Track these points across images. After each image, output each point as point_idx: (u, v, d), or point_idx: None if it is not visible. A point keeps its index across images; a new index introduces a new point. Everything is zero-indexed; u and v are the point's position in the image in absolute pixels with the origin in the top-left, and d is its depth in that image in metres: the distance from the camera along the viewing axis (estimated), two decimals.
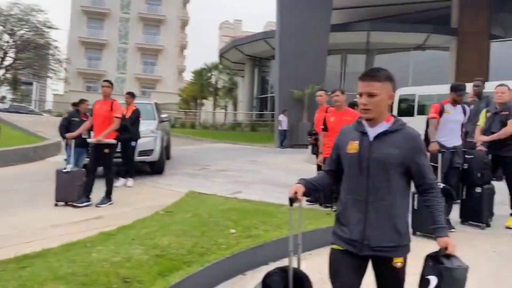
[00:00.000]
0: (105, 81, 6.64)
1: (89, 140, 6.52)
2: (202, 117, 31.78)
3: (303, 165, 6.18)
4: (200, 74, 31.06)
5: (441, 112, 5.37)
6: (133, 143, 8.25)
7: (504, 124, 5.39)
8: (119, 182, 8.05)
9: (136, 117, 8.31)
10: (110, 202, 6.29)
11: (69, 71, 42.22)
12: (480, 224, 5.28)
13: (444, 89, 7.50)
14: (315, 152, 6.71)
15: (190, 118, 31.77)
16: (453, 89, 5.40)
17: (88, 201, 6.17)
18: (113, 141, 6.36)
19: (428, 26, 23.86)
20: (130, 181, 8.10)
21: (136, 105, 9.52)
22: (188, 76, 44.00)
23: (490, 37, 22.60)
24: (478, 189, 5.29)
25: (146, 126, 9.42)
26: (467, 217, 5.42)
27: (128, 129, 7.16)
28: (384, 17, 27.17)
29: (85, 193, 6.17)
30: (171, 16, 51.73)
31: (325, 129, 5.86)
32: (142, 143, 9.06)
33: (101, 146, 6.21)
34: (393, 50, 25.40)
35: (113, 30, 49.48)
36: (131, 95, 8.67)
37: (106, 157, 6.31)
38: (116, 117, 6.36)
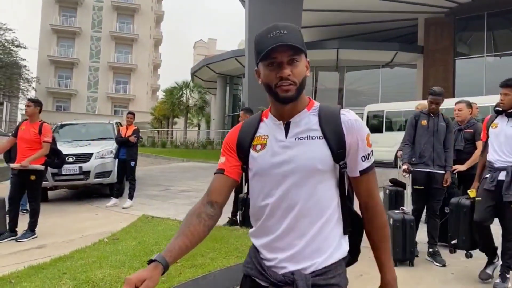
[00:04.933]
0: (29, 100, 5.90)
1: (12, 165, 5.69)
2: (175, 135, 31.34)
3: None
4: (171, 93, 30.74)
5: None
6: (132, 163, 8.11)
7: (468, 140, 5.36)
8: (111, 202, 8.00)
9: (136, 136, 8.19)
10: (33, 236, 5.73)
11: (38, 91, 41.22)
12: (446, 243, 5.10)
13: (411, 105, 7.49)
14: None
15: (163, 137, 31.28)
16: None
17: (13, 235, 5.66)
18: (41, 167, 5.68)
19: (396, 44, 24.32)
20: (128, 202, 7.90)
21: (95, 125, 9.11)
22: (161, 95, 43.60)
23: (455, 55, 23.17)
24: (447, 209, 5.15)
25: (105, 147, 9.08)
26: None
27: (58, 153, 6.42)
28: (353, 35, 27.61)
29: (10, 226, 5.67)
30: (143, 35, 51.40)
31: None
32: (100, 165, 8.72)
33: (27, 173, 5.55)
34: (363, 68, 25.74)
35: (84, 48, 48.72)
36: (133, 115, 8.61)
37: (33, 185, 5.63)
38: (46, 142, 5.67)
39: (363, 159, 1.38)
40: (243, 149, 1.44)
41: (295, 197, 1.33)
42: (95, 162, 8.62)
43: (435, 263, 4.64)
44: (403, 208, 4.93)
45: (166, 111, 31.06)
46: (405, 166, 4.86)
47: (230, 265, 3.95)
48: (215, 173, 1.48)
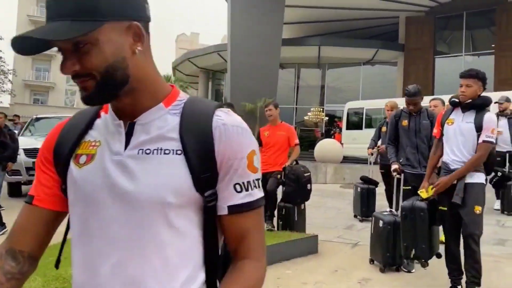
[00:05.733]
0: None
1: None
2: None
3: None
4: None
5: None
6: None
7: None
8: None
9: None
10: (4, 230, 5.62)
11: (14, 83, 40.26)
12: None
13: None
14: None
15: None
16: None
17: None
18: None
19: (377, 42, 24.55)
20: None
21: (58, 119, 8.92)
22: None
23: (435, 53, 23.50)
24: None
25: None
26: None
27: (5, 145, 6.25)
28: (335, 33, 27.73)
29: None
30: None
31: (259, 144, 5.64)
32: None
33: None
34: (344, 65, 25.90)
35: None
36: None
37: None
38: None
39: (239, 188, 0.87)
40: (60, 160, 0.93)
41: (130, 254, 0.83)
42: None
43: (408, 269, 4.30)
44: (391, 209, 4.72)
45: None
46: (396, 166, 4.74)
47: None
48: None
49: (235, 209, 0.87)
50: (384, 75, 25.34)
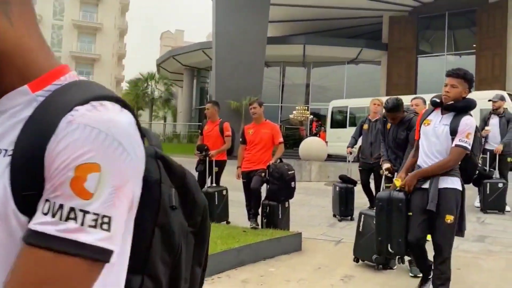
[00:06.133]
0: None
1: None
2: None
3: (233, 178, 6.03)
4: (136, 84, 30.16)
5: None
6: None
7: None
8: None
9: None
10: None
11: None
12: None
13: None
14: (202, 169, 6.00)
15: None
16: None
17: None
18: None
19: (361, 41, 24.79)
20: None
21: None
22: (126, 86, 42.73)
23: (418, 53, 23.81)
24: None
25: None
26: None
27: None
28: (320, 31, 27.88)
29: None
30: (108, 24, 50.03)
31: (244, 142, 5.65)
32: None
33: None
34: (329, 64, 26.07)
35: (44, 37, 46.95)
36: None
37: None
38: None
39: (46, 208, 0.54)
40: None
41: None
42: None
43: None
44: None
45: (130, 102, 30.39)
46: (388, 165, 4.69)
47: None
48: None
49: (27, 237, 0.53)
50: (368, 74, 25.59)
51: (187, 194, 0.75)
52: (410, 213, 3.24)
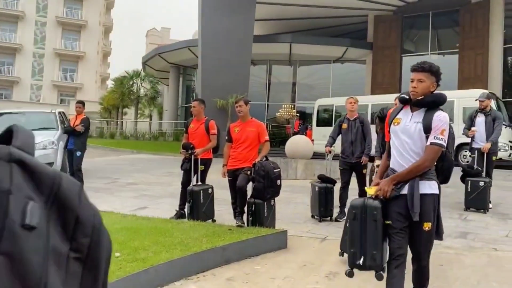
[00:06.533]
0: None
1: None
2: (124, 126, 30.47)
3: (218, 176, 6.01)
4: (121, 82, 29.86)
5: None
6: (78, 153, 8.00)
7: None
8: None
9: (86, 126, 8.04)
10: None
11: None
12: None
13: (361, 100, 7.61)
14: (187, 168, 6.02)
15: (113, 127, 30.35)
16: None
17: None
18: None
19: (347, 40, 24.92)
20: None
21: (36, 114, 8.67)
22: (111, 84, 42.29)
23: (402, 52, 24.06)
24: None
25: (46, 137, 8.67)
26: None
27: None
28: (306, 30, 27.96)
29: None
30: (93, 21, 49.37)
31: (229, 140, 5.64)
32: (41, 156, 8.32)
33: None
34: (315, 62, 26.17)
35: (27, 34, 46.07)
36: (83, 104, 8.40)
37: None
38: None
39: None
40: None
41: None
42: (35, 153, 8.24)
43: None
44: (343, 211, 4.68)
45: (115, 100, 30.15)
46: (379, 162, 4.60)
47: (173, 258, 3.88)
48: None
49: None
50: (353, 73, 25.78)
51: (64, 209, 0.56)
52: (389, 222, 2.94)
